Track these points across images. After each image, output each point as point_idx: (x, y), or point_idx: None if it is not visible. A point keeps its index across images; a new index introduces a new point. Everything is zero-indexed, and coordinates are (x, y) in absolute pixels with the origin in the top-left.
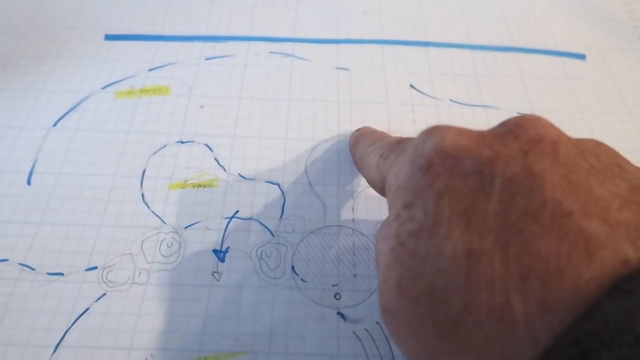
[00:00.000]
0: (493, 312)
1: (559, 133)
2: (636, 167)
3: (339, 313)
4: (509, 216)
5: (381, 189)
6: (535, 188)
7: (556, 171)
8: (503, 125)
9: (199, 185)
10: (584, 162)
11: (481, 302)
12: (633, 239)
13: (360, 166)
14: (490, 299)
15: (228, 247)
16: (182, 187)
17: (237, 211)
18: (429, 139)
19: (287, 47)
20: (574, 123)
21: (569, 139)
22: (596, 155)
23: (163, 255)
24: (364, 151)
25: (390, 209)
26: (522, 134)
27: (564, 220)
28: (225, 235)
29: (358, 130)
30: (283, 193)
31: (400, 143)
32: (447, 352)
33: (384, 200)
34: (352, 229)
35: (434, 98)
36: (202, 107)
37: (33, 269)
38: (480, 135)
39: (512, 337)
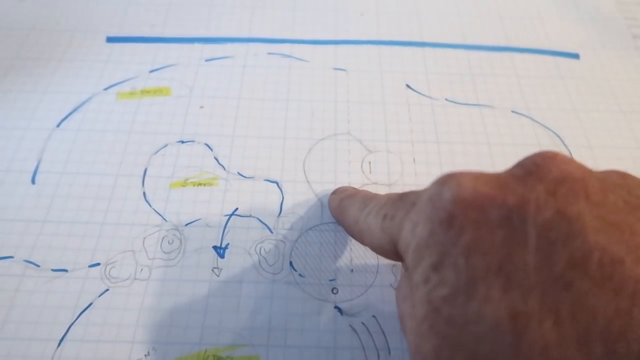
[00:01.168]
0: None
1: (582, 168)
2: None
3: (336, 307)
4: (552, 269)
5: (391, 252)
6: (575, 233)
7: (592, 212)
8: (520, 165)
9: (199, 184)
10: (616, 198)
11: None
12: None
13: (356, 232)
14: None
15: (228, 244)
16: (182, 186)
17: (237, 209)
18: (445, 189)
19: (286, 48)
20: (568, 121)
21: (593, 173)
22: (626, 189)
23: (164, 252)
24: (358, 216)
25: (413, 270)
26: (545, 174)
27: (615, 269)
28: (225, 232)
29: (335, 193)
30: (281, 191)
31: (405, 198)
32: None
33: None
34: None
35: (430, 97)
36: (202, 107)
37: (38, 266)
38: (499, 180)
39: None
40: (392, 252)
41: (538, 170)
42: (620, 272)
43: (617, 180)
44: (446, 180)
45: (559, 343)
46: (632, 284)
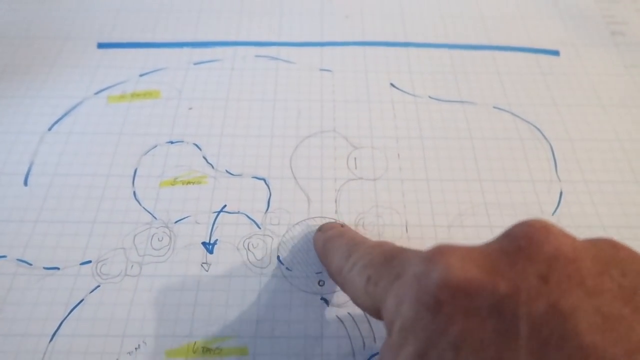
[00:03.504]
0: None
1: (574, 244)
2: None
3: (322, 298)
4: None
5: (374, 314)
6: (570, 333)
7: (587, 304)
8: (510, 238)
9: (188, 182)
10: (611, 283)
11: None
12: None
13: (339, 282)
14: None
15: (216, 240)
16: (172, 185)
17: (225, 205)
18: (433, 270)
19: (273, 50)
20: (549, 116)
21: (585, 248)
22: (620, 268)
23: (154, 249)
24: (341, 265)
25: (397, 350)
26: (536, 253)
27: None
28: (214, 228)
29: (321, 230)
30: (269, 187)
31: (390, 264)
32: None
33: (365, 192)
34: (335, 219)
35: (414, 95)
36: (190, 109)
37: (30, 264)
38: (488, 258)
39: None
40: (375, 314)
41: (529, 246)
42: None
43: (609, 254)
44: (433, 259)
45: None
46: None
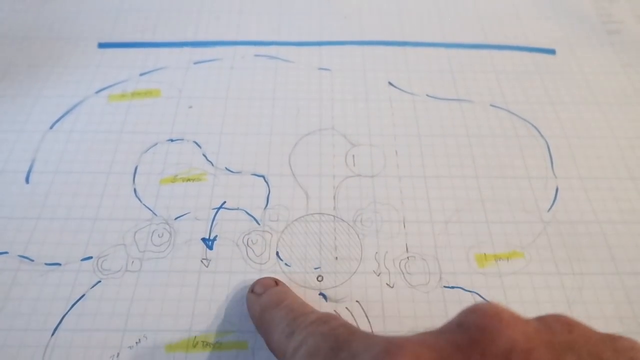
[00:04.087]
0: None
1: (527, 331)
2: (612, 342)
3: (321, 294)
4: None
5: None
6: None
7: None
8: (462, 328)
9: (188, 179)
10: None
11: None
12: None
13: (275, 353)
14: None
15: (216, 236)
16: (172, 182)
17: (225, 202)
18: None
19: (272, 50)
20: (545, 113)
21: (538, 334)
22: (575, 353)
23: (155, 245)
24: (283, 346)
25: None
26: (489, 346)
27: None
28: (214, 224)
29: (254, 291)
30: (268, 184)
31: (337, 356)
32: None
33: (363, 188)
34: (333, 216)
35: (411, 94)
36: (191, 107)
37: (32, 260)
38: (441, 355)
39: None
40: None
41: (482, 338)
42: None
43: (563, 339)
44: (385, 357)
45: None
46: None
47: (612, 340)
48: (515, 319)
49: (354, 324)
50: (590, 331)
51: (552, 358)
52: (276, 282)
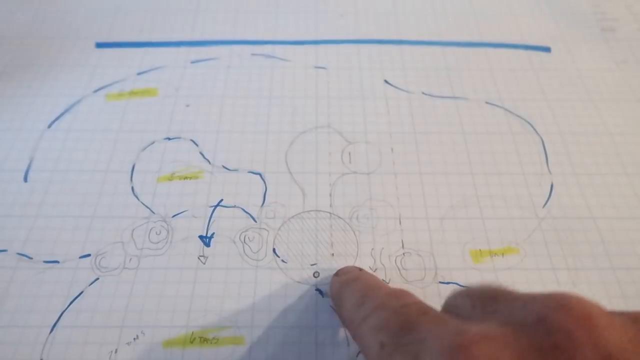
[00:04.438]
0: None
1: (622, 340)
2: None
3: (317, 289)
4: None
5: None
6: None
7: None
8: (545, 329)
9: (186, 177)
10: None
11: None
12: None
13: (351, 333)
14: None
15: (213, 233)
16: (169, 180)
17: (222, 200)
18: None
19: (268, 49)
20: (540, 110)
21: (631, 339)
22: None
23: (152, 242)
24: (353, 315)
25: None
26: (576, 354)
27: None
28: (211, 222)
29: (337, 275)
30: (264, 182)
31: (406, 335)
32: None
33: (359, 185)
34: (330, 212)
35: (407, 92)
36: (188, 106)
37: (30, 258)
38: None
39: None
40: None
41: (569, 346)
42: None
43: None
44: (458, 355)
45: None
46: None
47: None
48: (610, 323)
49: None
50: None
51: None
52: (360, 269)
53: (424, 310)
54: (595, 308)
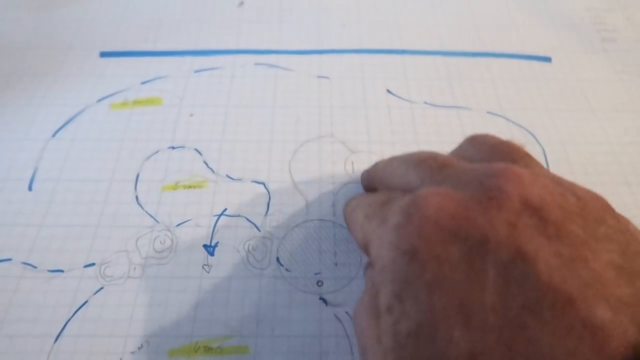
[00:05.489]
0: None
1: (542, 192)
2: (615, 217)
3: (321, 298)
4: (508, 310)
5: (364, 251)
6: (530, 274)
7: (549, 248)
8: (483, 187)
9: (190, 187)
10: (573, 227)
11: None
12: (636, 320)
13: (347, 219)
14: None
15: (217, 242)
16: (173, 189)
17: (225, 209)
18: (410, 222)
19: (272, 58)
20: (541, 120)
21: (551, 193)
22: (581, 215)
23: (156, 251)
24: (355, 205)
25: (378, 289)
26: (505, 202)
27: (566, 310)
28: (215, 231)
29: (368, 171)
30: (268, 191)
31: (383, 207)
32: None
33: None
34: (333, 222)
35: (409, 101)
36: (192, 115)
37: (35, 267)
38: (462, 208)
39: None
40: (364, 249)
41: (499, 195)
42: (570, 312)
43: (577, 205)
44: (411, 211)
45: None
46: (579, 324)
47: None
48: (535, 180)
49: (352, 330)
50: (593, 194)
51: (562, 215)
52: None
53: (395, 189)
54: (525, 171)
